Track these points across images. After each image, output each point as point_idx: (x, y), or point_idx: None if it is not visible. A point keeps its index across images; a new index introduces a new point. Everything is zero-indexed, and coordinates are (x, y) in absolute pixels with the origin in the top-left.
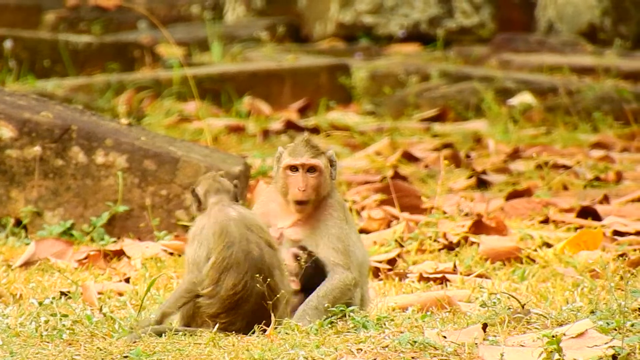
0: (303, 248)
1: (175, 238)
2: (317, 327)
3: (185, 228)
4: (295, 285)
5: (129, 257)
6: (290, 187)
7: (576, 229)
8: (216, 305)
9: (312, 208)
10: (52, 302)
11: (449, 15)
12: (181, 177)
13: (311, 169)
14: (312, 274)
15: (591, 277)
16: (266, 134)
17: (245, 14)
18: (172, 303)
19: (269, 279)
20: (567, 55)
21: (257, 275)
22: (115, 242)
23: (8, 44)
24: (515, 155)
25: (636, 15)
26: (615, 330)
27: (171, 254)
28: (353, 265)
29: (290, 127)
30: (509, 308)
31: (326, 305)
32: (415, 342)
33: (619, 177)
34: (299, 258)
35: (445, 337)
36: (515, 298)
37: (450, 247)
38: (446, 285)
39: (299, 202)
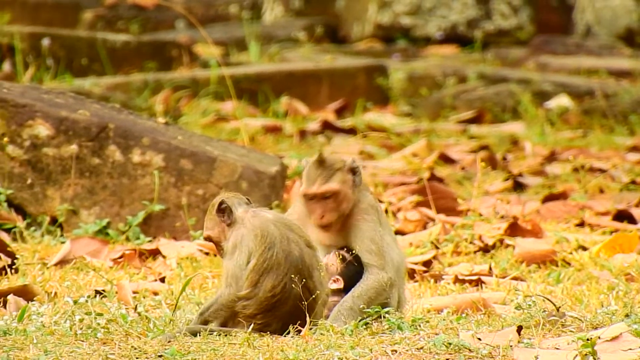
0: (346, 249)
1: None
2: (352, 328)
3: None
4: (339, 284)
5: (164, 257)
6: (310, 213)
7: (612, 232)
8: (253, 307)
9: (339, 223)
10: (87, 301)
11: (487, 17)
12: (217, 177)
13: (325, 194)
14: (356, 274)
15: (626, 281)
16: (303, 134)
17: (283, 14)
18: (212, 313)
19: (307, 280)
20: (604, 59)
21: (297, 276)
22: (150, 241)
23: (46, 42)
24: (551, 158)
25: None
26: None
27: (207, 253)
28: (388, 266)
29: (327, 127)
30: (544, 311)
31: (361, 305)
32: (450, 344)
33: None
34: (344, 258)
35: (480, 339)
36: (550, 301)
37: (485, 249)
38: (481, 287)
39: (321, 226)
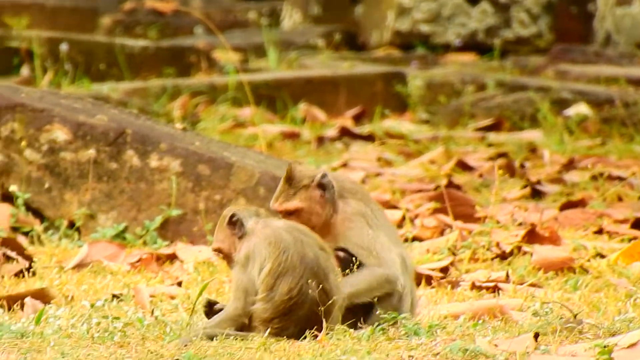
0: (345, 250)
1: None
2: (369, 333)
3: None
4: None
5: (181, 261)
6: None
7: (630, 240)
8: (270, 311)
9: (322, 233)
10: (104, 305)
11: (506, 25)
12: (235, 183)
13: (288, 212)
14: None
15: None
16: (321, 140)
17: (302, 21)
18: (216, 324)
19: (323, 283)
20: (624, 67)
21: (312, 279)
22: (168, 245)
23: (64, 47)
24: (570, 165)
25: None
26: None
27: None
28: (386, 264)
29: (345, 134)
30: (561, 318)
31: (359, 289)
32: (466, 350)
33: None
34: (339, 257)
35: (496, 345)
36: (567, 308)
37: (503, 256)
38: (498, 294)
39: None
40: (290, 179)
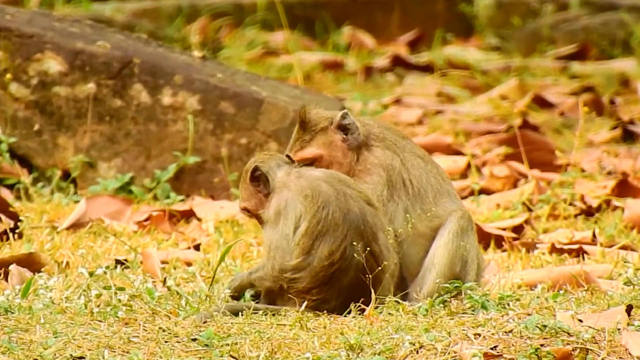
0: None
1: None
2: (427, 306)
3: None
4: None
5: (199, 219)
6: None
7: None
8: (307, 279)
9: None
10: (105, 273)
11: None
12: (265, 123)
13: (306, 160)
14: None
15: None
16: (369, 71)
17: None
18: (257, 279)
19: (372, 244)
20: None
21: (358, 240)
22: (183, 200)
23: None
24: None
25: None
26: None
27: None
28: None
29: (399, 64)
30: None
31: None
32: (545, 326)
33: None
34: None
35: (581, 320)
36: None
37: (588, 212)
38: (583, 258)
39: None
40: (304, 123)
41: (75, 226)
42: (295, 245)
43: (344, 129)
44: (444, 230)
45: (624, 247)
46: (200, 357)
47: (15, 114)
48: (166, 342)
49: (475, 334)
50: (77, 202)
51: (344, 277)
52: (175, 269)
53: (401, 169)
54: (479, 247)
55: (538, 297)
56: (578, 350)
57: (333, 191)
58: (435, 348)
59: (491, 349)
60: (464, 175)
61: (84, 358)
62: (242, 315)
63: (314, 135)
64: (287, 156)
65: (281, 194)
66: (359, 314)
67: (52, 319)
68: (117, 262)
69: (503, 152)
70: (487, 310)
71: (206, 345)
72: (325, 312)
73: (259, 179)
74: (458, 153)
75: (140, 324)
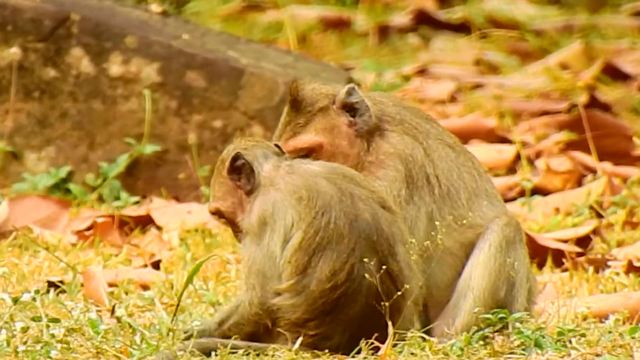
0: None
1: None
2: (462, 344)
3: None
4: None
5: (159, 228)
6: None
7: None
8: (302, 308)
9: None
10: (34, 299)
11: None
12: (247, 100)
13: (300, 150)
14: None
15: None
16: (384, 32)
17: None
18: (233, 326)
19: (388, 261)
20: None
21: (371, 255)
22: (137, 203)
23: None
24: None
25: None
26: None
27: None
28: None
29: (424, 21)
30: None
31: None
32: None
33: None
34: None
35: None
36: None
37: None
38: None
39: None
40: (298, 102)
41: None
42: (286, 264)
43: (350, 109)
44: (483, 243)
45: None
46: None
47: None
48: None
49: None
50: None
51: (351, 304)
52: (127, 293)
53: (424, 161)
54: (530, 266)
55: (610, 332)
56: None
57: (336, 191)
58: None
59: None
60: (511, 169)
61: None
62: (215, 355)
63: (311, 117)
64: (276, 145)
65: (267, 196)
66: (372, 354)
67: None
68: (50, 284)
69: (564, 139)
70: (542, 349)
71: None
72: (326, 351)
73: (240, 170)
74: (504, 140)
75: None
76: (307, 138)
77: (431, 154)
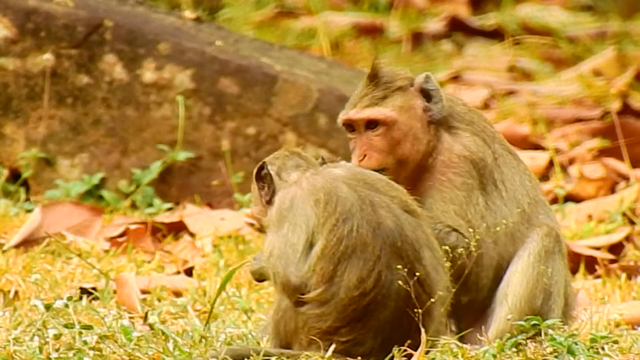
0: None
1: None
2: (495, 351)
3: None
4: None
5: (192, 235)
6: (352, 153)
7: None
8: (332, 316)
9: (404, 181)
10: (67, 305)
11: None
12: (280, 107)
13: (371, 123)
14: None
15: None
16: (418, 38)
17: None
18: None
19: (415, 266)
20: None
21: (397, 261)
22: (170, 209)
23: None
24: None
25: None
26: None
27: (260, 229)
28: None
29: (457, 28)
30: None
31: None
32: None
33: None
34: None
35: None
36: None
37: None
38: None
39: None
40: (377, 77)
41: (28, 243)
42: (311, 272)
43: (426, 94)
44: (522, 252)
45: None
46: None
47: None
48: None
49: None
50: (29, 211)
51: (382, 310)
52: (159, 300)
53: (493, 167)
54: (569, 276)
55: None
56: None
57: (356, 198)
58: None
59: None
60: (544, 176)
61: None
62: None
63: (390, 93)
64: (322, 158)
65: (288, 190)
66: None
67: None
68: (83, 291)
69: (597, 146)
70: (574, 356)
71: None
72: (359, 357)
73: (264, 179)
74: (537, 147)
75: None
76: (384, 110)
77: (498, 158)
